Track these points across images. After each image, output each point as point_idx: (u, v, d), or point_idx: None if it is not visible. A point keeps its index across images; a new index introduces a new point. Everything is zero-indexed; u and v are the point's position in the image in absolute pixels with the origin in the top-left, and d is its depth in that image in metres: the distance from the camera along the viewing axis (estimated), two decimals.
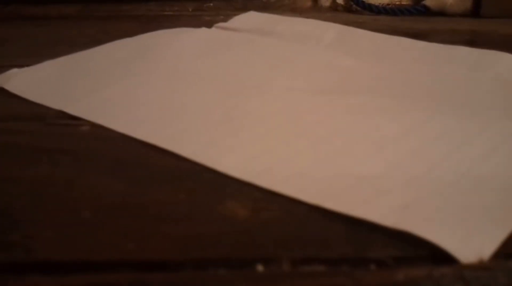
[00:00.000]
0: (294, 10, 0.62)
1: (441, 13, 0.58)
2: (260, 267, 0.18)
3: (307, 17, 0.52)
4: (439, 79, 0.34)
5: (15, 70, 0.37)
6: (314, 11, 0.62)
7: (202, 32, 0.46)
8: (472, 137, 0.26)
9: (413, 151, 0.25)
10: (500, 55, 0.37)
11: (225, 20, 0.50)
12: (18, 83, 0.35)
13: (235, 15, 0.51)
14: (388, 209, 0.20)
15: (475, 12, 0.57)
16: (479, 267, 0.17)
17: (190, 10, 0.63)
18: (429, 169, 0.23)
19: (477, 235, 0.18)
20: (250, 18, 0.50)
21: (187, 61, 0.39)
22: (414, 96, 0.31)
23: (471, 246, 0.18)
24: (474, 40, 0.48)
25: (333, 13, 0.61)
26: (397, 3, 0.62)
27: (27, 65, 0.38)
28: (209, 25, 0.48)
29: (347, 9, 0.62)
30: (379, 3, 0.61)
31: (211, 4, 0.63)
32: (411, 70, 0.36)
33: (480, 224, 0.19)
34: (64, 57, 0.40)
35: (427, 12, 0.58)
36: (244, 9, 0.57)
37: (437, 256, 0.18)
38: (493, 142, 0.25)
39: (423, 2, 0.59)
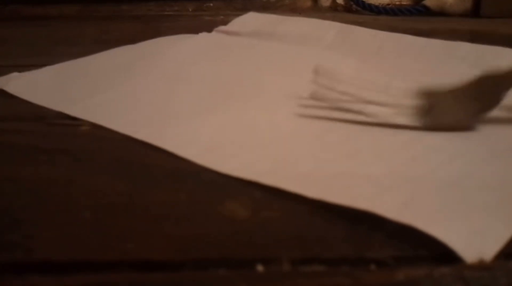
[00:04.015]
0: (294, 10, 0.62)
1: (441, 13, 0.58)
2: (260, 267, 0.18)
3: (307, 17, 0.52)
4: (440, 76, 0.34)
5: (15, 74, 0.37)
6: (314, 11, 0.62)
7: (203, 37, 0.46)
8: (476, 137, 0.26)
9: (415, 152, 0.25)
10: (501, 50, 0.37)
11: (225, 20, 0.50)
12: (19, 86, 0.35)
13: (235, 15, 0.51)
14: (393, 204, 0.20)
15: (475, 12, 0.57)
16: (479, 267, 0.17)
17: (190, 10, 0.63)
18: (433, 169, 0.23)
19: (482, 235, 0.18)
20: (251, 20, 0.50)
21: (188, 65, 0.39)
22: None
23: (475, 245, 0.18)
24: (474, 40, 0.48)
25: (333, 13, 0.61)
26: (397, 3, 0.62)
27: (27, 65, 0.38)
28: (209, 25, 0.48)
29: (347, 9, 0.62)
30: (379, 3, 0.61)
31: (211, 4, 0.63)
32: (413, 68, 0.36)
33: (484, 224, 0.19)
34: (64, 63, 0.40)
35: (427, 12, 0.58)
36: (244, 9, 0.57)
37: (437, 256, 0.18)
38: (497, 143, 0.25)
39: (423, 2, 0.59)
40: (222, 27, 0.49)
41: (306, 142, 0.27)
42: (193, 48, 0.43)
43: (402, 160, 0.24)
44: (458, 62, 0.37)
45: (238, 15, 0.51)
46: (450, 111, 0.27)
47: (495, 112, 0.29)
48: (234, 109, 0.31)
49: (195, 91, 0.33)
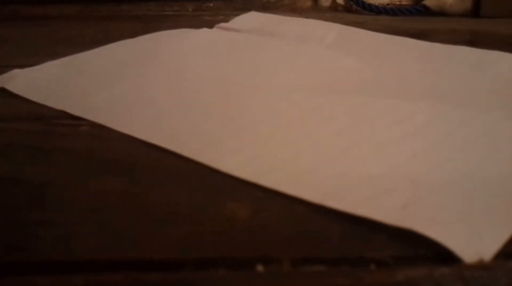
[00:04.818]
0: (294, 10, 0.62)
1: (441, 13, 0.58)
2: (260, 267, 0.18)
3: (307, 17, 0.52)
4: (440, 79, 0.34)
5: (16, 70, 0.37)
6: (314, 11, 0.62)
7: (204, 32, 0.46)
8: (475, 138, 0.26)
9: (416, 152, 0.25)
10: (501, 55, 0.37)
11: (225, 20, 0.50)
12: (20, 84, 0.35)
13: (235, 15, 0.51)
14: (391, 207, 0.20)
15: (475, 12, 0.57)
16: (479, 267, 0.17)
17: (190, 10, 0.63)
18: (432, 169, 0.23)
19: (480, 235, 0.18)
20: (252, 18, 0.50)
21: (189, 62, 0.39)
22: (416, 97, 0.31)
23: (474, 245, 0.18)
24: (474, 40, 0.49)
25: (333, 13, 0.61)
26: (397, 3, 0.62)
27: (27, 65, 0.38)
28: (209, 25, 0.48)
29: (347, 9, 0.62)
30: (379, 3, 0.61)
31: (211, 4, 0.63)
32: (413, 70, 0.36)
33: (483, 224, 0.19)
34: (65, 57, 0.40)
35: (427, 12, 0.58)
36: (244, 9, 0.57)
37: (437, 256, 0.18)
38: (496, 143, 0.25)
39: (423, 2, 0.59)
40: (223, 24, 0.49)
41: (304, 137, 0.27)
42: (194, 45, 0.43)
43: (402, 157, 0.24)
44: (458, 64, 0.37)
45: (238, 15, 0.51)
46: None
47: (495, 106, 0.29)
48: (233, 105, 0.31)
49: (195, 88, 0.33)
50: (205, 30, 0.47)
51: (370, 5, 0.60)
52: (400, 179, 0.22)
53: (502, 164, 0.24)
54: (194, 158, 0.25)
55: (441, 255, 0.18)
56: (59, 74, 0.37)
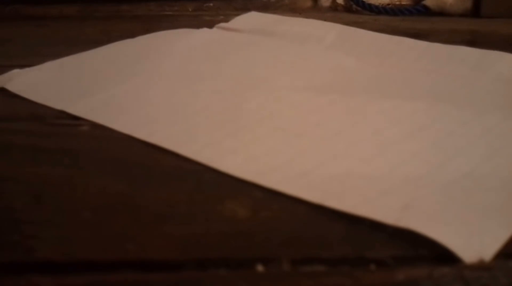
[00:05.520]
0: (294, 10, 0.62)
1: (441, 13, 0.58)
2: (260, 267, 0.18)
3: (307, 17, 0.52)
4: (440, 79, 0.34)
5: (16, 70, 0.37)
6: (314, 11, 0.62)
7: (204, 32, 0.46)
8: (475, 138, 0.26)
9: (415, 152, 0.25)
10: (501, 55, 0.37)
11: (225, 20, 0.50)
12: (20, 83, 0.35)
13: (235, 15, 0.51)
14: (391, 207, 0.20)
15: (475, 12, 0.57)
16: (479, 267, 0.17)
17: (190, 10, 0.63)
18: (432, 169, 0.23)
19: (480, 235, 0.18)
20: (252, 18, 0.50)
21: (189, 62, 0.39)
22: (416, 97, 0.31)
23: (474, 245, 0.18)
24: (474, 40, 0.49)
25: (333, 13, 0.61)
26: (397, 3, 0.62)
27: (28, 65, 0.38)
28: (209, 25, 0.48)
29: (347, 9, 0.62)
30: (379, 3, 0.61)
31: (211, 4, 0.63)
32: (413, 70, 0.36)
33: (483, 224, 0.19)
34: (65, 57, 0.40)
35: (427, 12, 0.58)
36: (244, 9, 0.57)
37: (438, 256, 0.18)
38: (496, 143, 0.25)
39: (423, 2, 0.59)
40: (223, 24, 0.49)
41: (304, 137, 0.27)
42: (194, 45, 0.43)
43: (402, 157, 0.24)
44: (458, 64, 0.37)
45: (238, 15, 0.51)
46: None
47: (495, 106, 0.29)
48: (233, 105, 0.31)
49: (195, 88, 0.33)
50: (205, 30, 0.47)
51: (370, 5, 0.60)
52: (400, 179, 0.22)
53: (502, 164, 0.24)
54: (194, 158, 0.25)
55: (441, 255, 0.18)
56: (59, 74, 0.37)
